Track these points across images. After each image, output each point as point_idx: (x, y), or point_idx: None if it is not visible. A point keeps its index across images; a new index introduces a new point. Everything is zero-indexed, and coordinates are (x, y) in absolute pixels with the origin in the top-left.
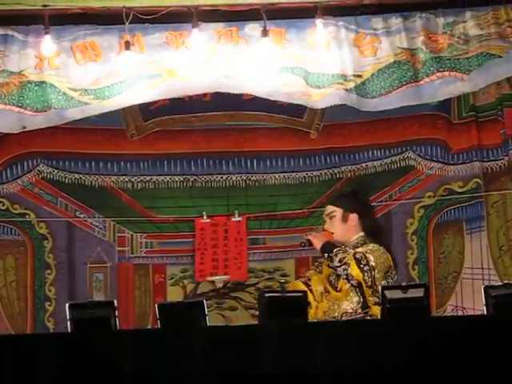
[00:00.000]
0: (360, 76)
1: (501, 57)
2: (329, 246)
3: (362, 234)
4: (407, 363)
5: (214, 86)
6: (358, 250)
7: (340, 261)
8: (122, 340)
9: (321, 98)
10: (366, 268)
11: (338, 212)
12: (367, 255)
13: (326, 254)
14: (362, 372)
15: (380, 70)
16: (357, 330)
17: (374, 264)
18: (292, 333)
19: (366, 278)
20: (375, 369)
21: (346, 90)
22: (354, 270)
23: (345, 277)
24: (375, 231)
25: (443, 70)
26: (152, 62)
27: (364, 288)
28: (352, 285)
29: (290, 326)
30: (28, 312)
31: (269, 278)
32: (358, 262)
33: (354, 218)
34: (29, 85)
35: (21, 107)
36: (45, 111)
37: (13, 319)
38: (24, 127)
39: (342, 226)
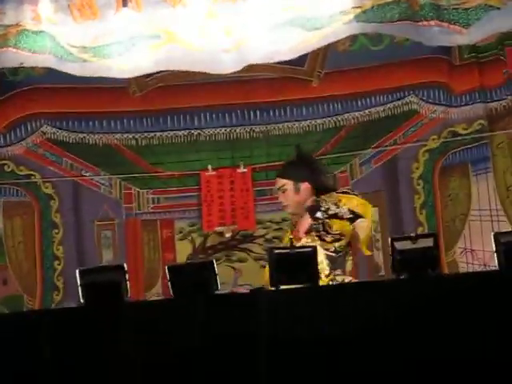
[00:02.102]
0: (360, 7)
1: (499, 8)
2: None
3: (314, 197)
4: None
5: (214, 58)
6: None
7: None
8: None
9: (322, 38)
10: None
11: (289, 184)
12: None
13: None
14: (378, 331)
15: (379, 4)
16: (369, 290)
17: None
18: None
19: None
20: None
21: (346, 22)
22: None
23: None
24: (329, 191)
25: (442, 20)
26: (150, 22)
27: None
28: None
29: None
30: (37, 272)
31: (277, 229)
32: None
33: (305, 187)
34: (26, 32)
35: (18, 48)
36: (43, 54)
37: (22, 280)
38: (21, 63)
39: (295, 198)
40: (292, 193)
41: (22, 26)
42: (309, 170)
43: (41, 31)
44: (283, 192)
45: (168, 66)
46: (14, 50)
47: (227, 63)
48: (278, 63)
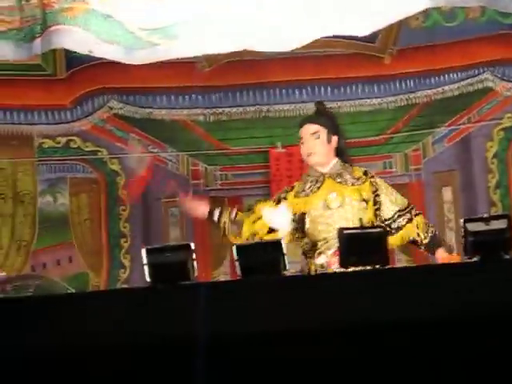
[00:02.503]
0: None
1: None
2: None
3: (336, 159)
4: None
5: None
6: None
7: None
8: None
9: (394, 12)
10: None
11: (323, 132)
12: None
13: None
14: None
15: None
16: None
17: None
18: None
19: None
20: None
21: None
22: None
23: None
24: (345, 157)
25: None
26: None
27: None
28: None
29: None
30: (103, 250)
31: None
32: None
33: (335, 139)
34: (94, 13)
35: (87, 31)
36: (111, 44)
37: (89, 257)
38: (90, 51)
39: (326, 147)
40: (325, 141)
41: (88, 4)
42: (337, 127)
43: (108, 16)
44: (316, 138)
45: (240, 46)
46: (83, 33)
47: (294, 38)
48: (350, 39)
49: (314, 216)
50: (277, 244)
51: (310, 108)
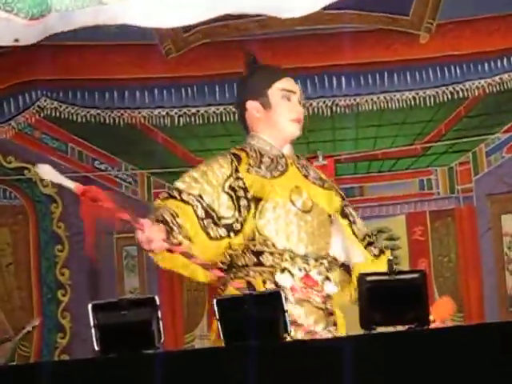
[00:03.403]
0: None
1: None
2: None
3: None
4: None
5: None
6: None
7: None
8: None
9: None
10: None
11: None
12: None
13: None
14: None
15: None
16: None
17: None
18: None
19: None
20: None
21: None
22: None
23: None
24: None
25: None
26: None
27: None
28: None
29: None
30: (34, 305)
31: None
32: None
33: None
34: None
35: (10, 12)
36: (43, 16)
37: (13, 316)
38: (16, 40)
39: None
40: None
41: None
42: None
43: None
44: (299, 102)
45: (217, 12)
46: (5, 16)
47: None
48: (372, 10)
49: (274, 211)
50: (274, 296)
51: (317, 107)
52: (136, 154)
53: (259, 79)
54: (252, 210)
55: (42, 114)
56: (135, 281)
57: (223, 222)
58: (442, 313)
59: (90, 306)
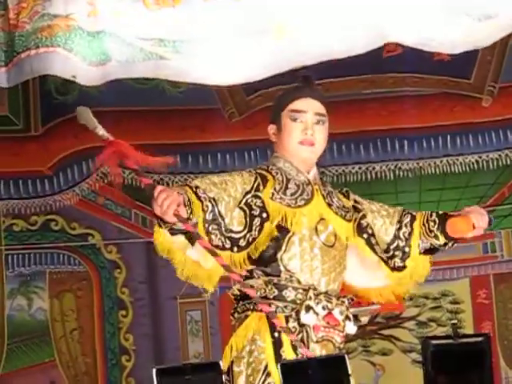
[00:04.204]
0: None
1: None
2: None
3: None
4: None
5: (342, 39)
6: None
7: None
8: None
9: (495, 29)
10: None
11: (326, 118)
12: None
13: None
14: None
15: None
16: None
17: None
18: None
19: None
20: None
21: None
22: None
23: None
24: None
25: None
26: (253, 11)
27: None
28: None
29: None
30: (98, 371)
31: (434, 307)
32: None
33: None
34: (79, 31)
35: (69, 51)
36: (102, 64)
37: (77, 382)
38: (74, 76)
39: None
40: (327, 130)
41: (73, 20)
42: None
43: (99, 32)
44: (321, 123)
45: (280, 69)
46: (65, 53)
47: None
48: (434, 74)
49: (301, 244)
50: (339, 360)
51: (380, 170)
52: None
53: (278, 101)
54: (264, 234)
55: (105, 181)
56: (199, 345)
57: (230, 234)
58: (459, 228)
59: (154, 371)
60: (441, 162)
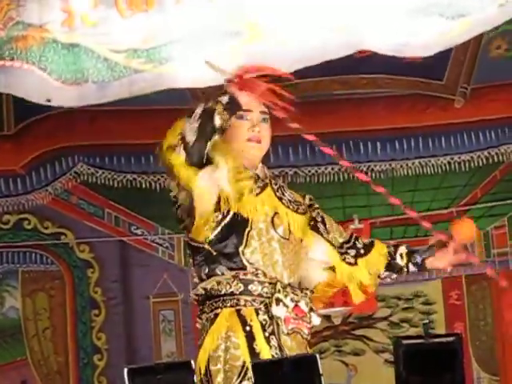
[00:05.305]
0: None
1: None
2: None
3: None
4: None
5: (316, 45)
6: None
7: None
8: None
9: (467, 28)
10: None
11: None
12: None
13: None
14: None
15: None
16: None
17: None
18: None
19: None
20: None
21: (503, 4)
22: None
23: None
24: None
25: None
26: (227, 13)
27: None
28: None
29: None
30: (70, 370)
31: (406, 308)
32: None
33: None
34: (54, 45)
35: (44, 71)
36: (78, 84)
37: (49, 381)
38: (48, 100)
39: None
40: (270, 129)
41: (47, 31)
42: None
43: (74, 44)
44: (265, 121)
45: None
46: (39, 73)
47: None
48: (406, 75)
49: (259, 239)
50: (310, 360)
51: (347, 172)
52: (172, 219)
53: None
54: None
55: (78, 180)
56: (172, 345)
57: None
58: (462, 233)
59: (125, 371)
60: (413, 163)
